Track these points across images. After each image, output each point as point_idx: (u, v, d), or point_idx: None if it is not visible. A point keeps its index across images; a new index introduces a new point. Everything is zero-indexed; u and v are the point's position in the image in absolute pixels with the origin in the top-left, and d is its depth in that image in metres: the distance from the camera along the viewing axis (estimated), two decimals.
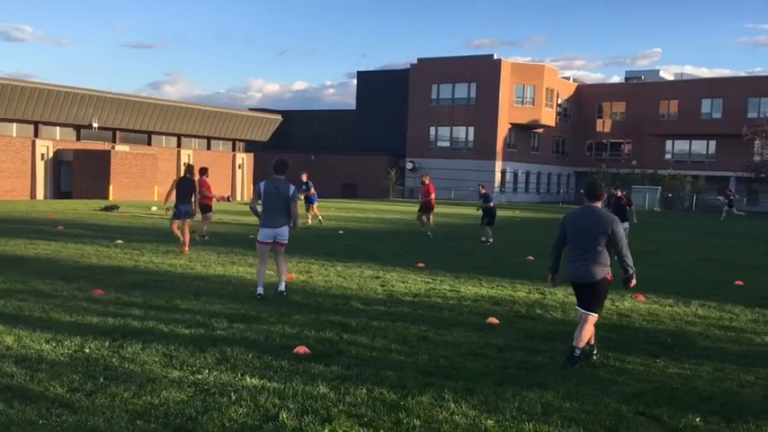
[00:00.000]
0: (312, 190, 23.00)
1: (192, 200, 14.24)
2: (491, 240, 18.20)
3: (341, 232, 20.65)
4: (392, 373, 5.84)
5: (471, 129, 57.77)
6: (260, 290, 9.17)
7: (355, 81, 67.62)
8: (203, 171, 16.90)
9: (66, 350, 6.22)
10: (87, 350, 6.24)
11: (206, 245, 15.23)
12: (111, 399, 4.96)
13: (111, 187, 40.54)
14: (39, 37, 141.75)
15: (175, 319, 7.67)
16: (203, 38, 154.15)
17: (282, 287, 9.43)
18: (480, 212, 18.89)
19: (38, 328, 6.97)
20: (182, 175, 14.72)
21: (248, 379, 5.55)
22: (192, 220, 14.32)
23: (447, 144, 59.15)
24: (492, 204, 18.62)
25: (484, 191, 18.82)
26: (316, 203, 23.48)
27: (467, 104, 57.50)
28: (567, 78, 66.06)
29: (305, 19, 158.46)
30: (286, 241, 9.43)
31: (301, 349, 6.44)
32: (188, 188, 14.17)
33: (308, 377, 5.66)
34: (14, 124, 42.28)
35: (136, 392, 5.12)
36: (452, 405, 5.11)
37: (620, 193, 16.36)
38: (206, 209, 16.70)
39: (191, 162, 49.89)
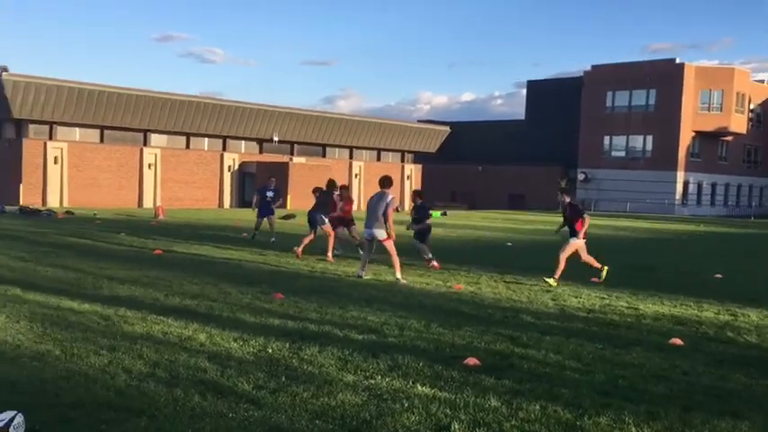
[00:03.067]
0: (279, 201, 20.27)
1: (326, 212, 15.00)
2: (429, 256, 14.25)
3: (509, 244, 20.36)
4: (567, 391, 5.63)
5: (650, 137, 54.77)
6: (360, 272, 11.90)
7: (524, 91, 66.69)
8: (345, 188, 16.87)
9: (252, 349, 6.64)
10: (270, 350, 6.61)
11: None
12: (293, 398, 5.21)
13: (288, 198, 42.96)
14: (228, 58, 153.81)
15: (349, 324, 7.94)
16: (376, 53, 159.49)
17: (398, 275, 11.57)
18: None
19: (226, 327, 7.50)
20: (323, 188, 15.43)
21: (419, 387, 5.60)
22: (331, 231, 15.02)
23: (622, 153, 56.52)
24: (428, 221, 15.02)
25: (421, 201, 15.30)
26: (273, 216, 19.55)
27: (645, 112, 54.63)
28: (761, 81, 60.69)
29: (475, 31, 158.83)
30: (381, 239, 11.74)
31: (471, 360, 6.39)
32: (326, 201, 15.13)
33: (479, 389, 5.60)
34: (206, 139, 46.11)
35: (314, 393, 5.35)
36: (633, 429, 4.83)
37: None
38: (347, 222, 16.29)
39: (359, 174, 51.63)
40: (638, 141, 55.74)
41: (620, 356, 6.90)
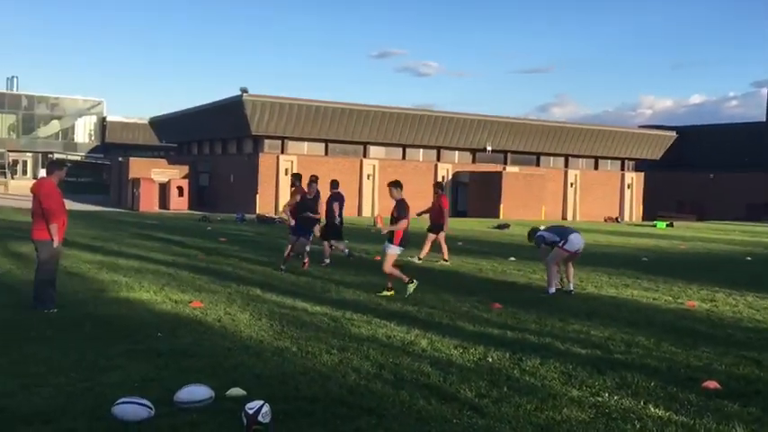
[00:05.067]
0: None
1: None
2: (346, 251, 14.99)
3: (749, 258, 18.48)
4: None
5: None
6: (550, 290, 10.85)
7: (764, 90, 60.23)
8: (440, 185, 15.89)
9: (472, 357, 6.66)
10: (490, 359, 6.59)
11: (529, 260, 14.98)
12: (516, 409, 5.14)
13: (501, 207, 42.74)
14: (442, 71, 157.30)
15: (570, 337, 7.68)
16: (592, 58, 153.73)
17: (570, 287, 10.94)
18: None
19: (446, 334, 7.61)
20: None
21: (652, 408, 5.25)
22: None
23: None
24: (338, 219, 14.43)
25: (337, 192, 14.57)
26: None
27: None
28: None
29: (703, 28, 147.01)
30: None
31: (711, 384, 5.86)
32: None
33: (721, 416, 5.12)
34: (421, 150, 47.41)
35: (538, 406, 5.23)
36: None
37: None
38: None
39: (575, 182, 49.92)
40: None
41: None
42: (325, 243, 14.30)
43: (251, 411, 4.51)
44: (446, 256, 14.77)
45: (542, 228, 11.55)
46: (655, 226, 34.32)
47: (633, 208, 52.99)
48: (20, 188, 54.61)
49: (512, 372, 6.18)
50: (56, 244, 8.21)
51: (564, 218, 48.21)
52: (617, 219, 47.29)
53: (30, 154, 69.06)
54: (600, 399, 5.47)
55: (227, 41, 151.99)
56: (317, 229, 14.09)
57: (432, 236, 15.06)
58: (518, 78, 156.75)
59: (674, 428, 4.82)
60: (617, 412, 5.15)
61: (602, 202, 51.23)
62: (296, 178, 14.93)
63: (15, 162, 68.87)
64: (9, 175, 64.25)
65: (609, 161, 54.28)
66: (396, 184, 10.72)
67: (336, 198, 14.62)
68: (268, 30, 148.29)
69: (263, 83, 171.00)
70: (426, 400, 5.29)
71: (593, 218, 47.91)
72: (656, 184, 54.77)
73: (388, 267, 10.41)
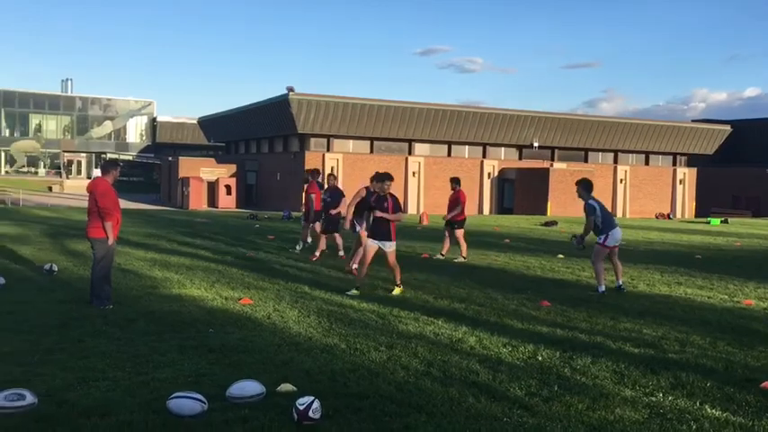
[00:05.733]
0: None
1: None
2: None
3: None
4: None
5: None
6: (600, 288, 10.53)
7: None
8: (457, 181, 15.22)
9: (521, 355, 6.60)
10: (540, 358, 6.52)
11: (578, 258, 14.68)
12: (567, 408, 5.07)
13: (549, 204, 42.22)
14: (488, 67, 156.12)
15: (622, 336, 7.54)
16: (642, 51, 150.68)
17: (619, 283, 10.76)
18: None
19: (495, 332, 7.55)
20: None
21: (708, 409, 5.12)
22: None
23: None
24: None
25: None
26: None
27: None
28: None
29: (760, 18, 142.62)
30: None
31: None
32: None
33: None
34: (466, 147, 47.17)
35: (590, 405, 5.15)
36: None
37: None
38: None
39: (625, 178, 48.98)
40: None
41: None
42: (324, 236, 14.43)
43: (302, 407, 4.55)
44: (464, 253, 14.50)
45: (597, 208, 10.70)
46: (708, 222, 33.43)
47: (686, 204, 51.79)
48: (75, 188, 56.26)
49: (562, 370, 6.10)
50: (111, 242, 8.43)
51: (613, 215, 47.43)
52: (668, 215, 46.26)
53: (84, 154, 71.00)
54: (654, 399, 5.36)
55: (272, 42, 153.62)
56: (317, 225, 14.73)
57: (459, 232, 14.78)
58: (565, 74, 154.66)
59: (732, 430, 4.70)
60: (672, 413, 5.04)
61: (654, 198, 50.19)
62: (311, 174, 15.18)
63: (70, 162, 70.91)
64: (65, 175, 66.20)
65: (660, 156, 53.18)
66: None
67: (333, 193, 14.50)
68: (312, 28, 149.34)
69: (307, 82, 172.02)
70: (476, 397, 5.26)
71: (643, 214, 46.98)
72: (709, 179, 53.37)
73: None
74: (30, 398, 4.69)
